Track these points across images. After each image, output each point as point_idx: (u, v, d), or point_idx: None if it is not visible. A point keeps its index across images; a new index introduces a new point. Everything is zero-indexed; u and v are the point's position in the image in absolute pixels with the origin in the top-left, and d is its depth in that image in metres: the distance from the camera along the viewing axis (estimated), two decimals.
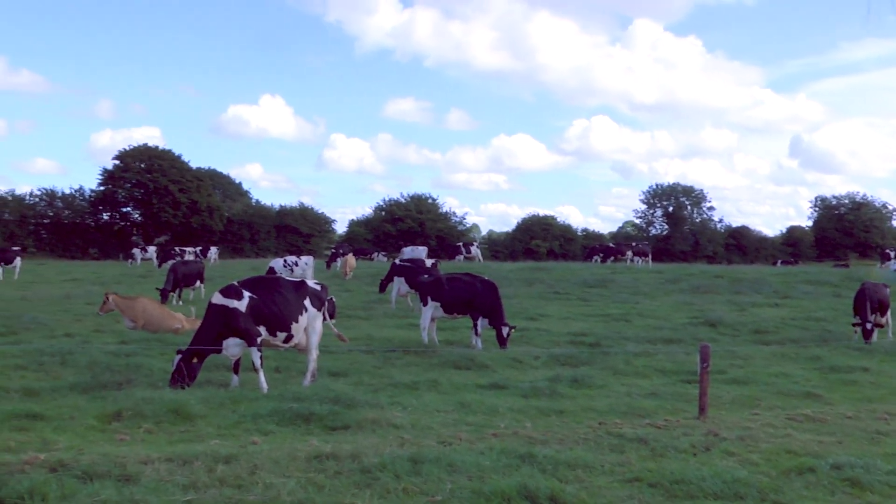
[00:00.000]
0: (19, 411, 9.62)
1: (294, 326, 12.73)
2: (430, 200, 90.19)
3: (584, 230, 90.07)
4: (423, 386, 12.39)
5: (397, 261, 33.09)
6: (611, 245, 62.36)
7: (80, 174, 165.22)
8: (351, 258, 41.40)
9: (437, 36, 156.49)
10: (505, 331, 17.07)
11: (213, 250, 60.29)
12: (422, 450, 7.79)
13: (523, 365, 15.24)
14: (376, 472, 7.01)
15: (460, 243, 66.71)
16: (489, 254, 79.41)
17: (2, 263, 40.38)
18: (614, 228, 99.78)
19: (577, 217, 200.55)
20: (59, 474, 6.65)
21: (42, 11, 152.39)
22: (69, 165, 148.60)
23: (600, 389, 12.83)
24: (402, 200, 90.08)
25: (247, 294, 12.50)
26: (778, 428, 9.69)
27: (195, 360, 12.09)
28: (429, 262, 30.62)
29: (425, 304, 17.85)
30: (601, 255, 56.68)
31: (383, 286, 30.43)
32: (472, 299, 17.53)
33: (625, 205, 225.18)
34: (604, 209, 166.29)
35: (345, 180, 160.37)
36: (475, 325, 17.45)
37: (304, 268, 35.50)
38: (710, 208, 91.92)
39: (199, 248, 59.53)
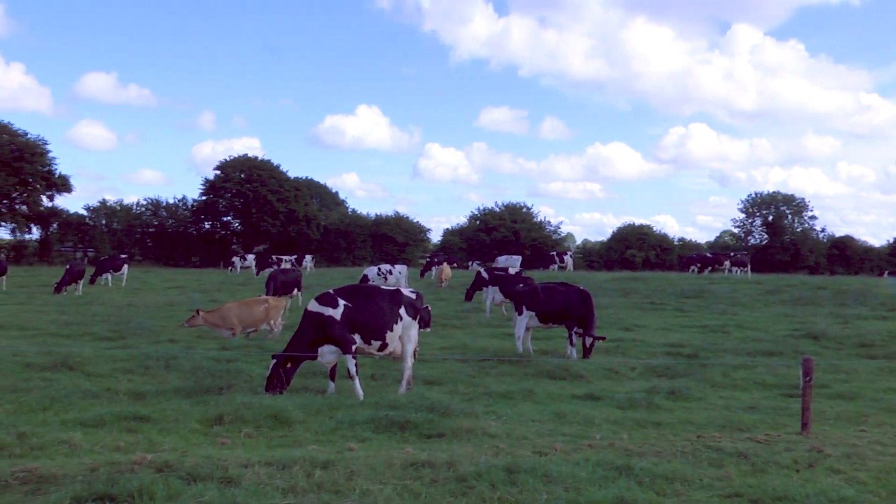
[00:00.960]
0: (127, 413, 9.96)
1: (388, 335, 12.82)
2: (524, 209, 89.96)
3: (681, 240, 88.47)
4: (517, 395, 12.35)
5: (482, 270, 33.18)
6: (708, 255, 61.06)
7: (184, 184, 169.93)
8: (446, 267, 41.57)
9: (531, 45, 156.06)
10: (588, 341, 16.90)
11: (308, 259, 61.32)
12: (517, 460, 7.77)
13: (619, 376, 15.06)
14: (472, 481, 7.01)
15: (553, 252, 66.41)
16: (584, 263, 78.75)
17: (110, 271, 41.86)
18: (712, 238, 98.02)
19: (673, 226, 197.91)
20: (165, 475, 6.86)
21: (151, 29, 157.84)
22: (173, 176, 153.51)
23: (698, 402, 12.58)
24: (497, 209, 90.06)
25: (342, 302, 12.65)
26: (887, 446, 9.31)
27: (290, 366, 12.31)
28: (513, 271, 30.55)
29: (520, 313, 17.80)
30: (698, 265, 55.59)
31: (469, 295, 30.59)
32: (567, 309, 17.41)
33: (723, 214, 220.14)
34: (701, 218, 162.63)
35: (439, 189, 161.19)
36: (570, 335, 17.33)
37: (398, 276, 35.83)
38: (812, 217, 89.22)
39: (294, 257, 60.63)
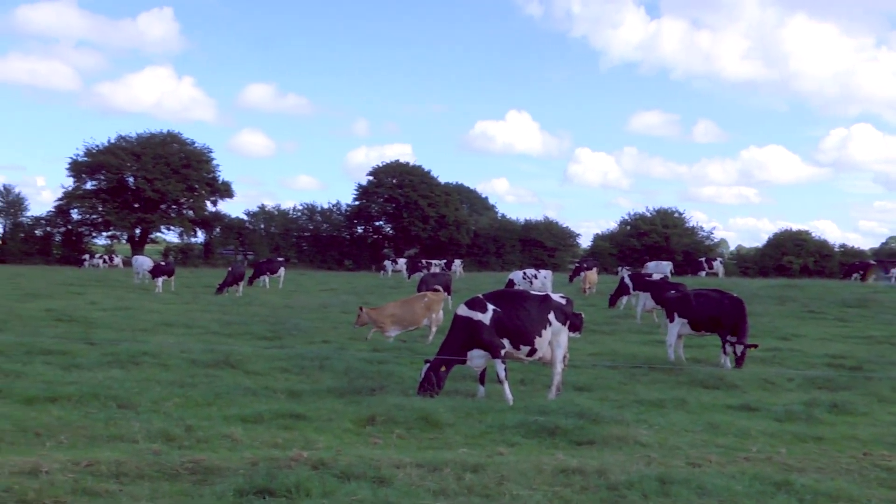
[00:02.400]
0: (284, 411, 10.31)
1: (537, 340, 12.76)
2: (675, 214, 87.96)
3: (842, 246, 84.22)
4: (669, 404, 12.07)
5: (625, 276, 32.72)
6: (872, 262, 58.05)
7: (338, 190, 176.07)
8: (592, 273, 41.03)
9: (684, 47, 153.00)
10: (739, 349, 16.33)
11: (458, 263, 61.89)
12: (670, 470, 7.61)
13: (776, 387, 14.48)
14: (623, 490, 6.92)
15: (702, 258, 64.73)
16: (737, 270, 76.30)
17: (268, 273, 43.49)
18: (876, 244, 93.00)
19: (833, 232, 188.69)
20: (320, 472, 7.08)
21: (308, 41, 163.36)
22: (328, 181, 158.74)
23: (863, 417, 11.94)
24: (648, 214, 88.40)
25: (491, 307, 12.68)
26: None
27: (442, 370, 12.44)
28: (657, 277, 29.95)
29: (671, 320, 17.42)
30: (861, 272, 52.93)
31: (613, 301, 30.25)
32: (719, 316, 16.90)
33: (889, 219, 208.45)
34: (864, 224, 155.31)
35: (589, 194, 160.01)
36: (723, 344, 16.82)
37: (543, 281, 35.71)
38: None
39: (444, 261, 61.33)
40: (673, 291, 19.49)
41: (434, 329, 19.81)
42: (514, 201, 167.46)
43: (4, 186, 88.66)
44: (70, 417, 9.70)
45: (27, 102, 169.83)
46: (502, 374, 12.29)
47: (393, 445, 9.01)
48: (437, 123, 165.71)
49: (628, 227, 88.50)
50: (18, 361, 13.89)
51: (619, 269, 64.67)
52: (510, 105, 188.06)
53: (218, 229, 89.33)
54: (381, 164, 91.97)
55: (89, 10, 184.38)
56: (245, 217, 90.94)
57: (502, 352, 12.42)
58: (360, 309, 19.74)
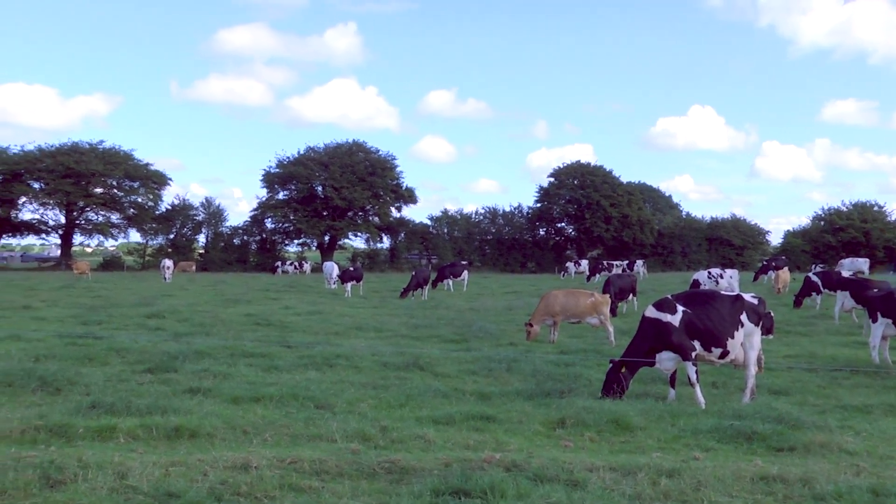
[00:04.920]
0: (475, 413, 10.43)
1: (730, 342, 12.36)
2: (875, 208, 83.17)
3: None
4: (877, 410, 11.38)
5: (811, 274, 31.19)
6: None
7: (519, 192, 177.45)
8: (784, 272, 39.25)
9: (884, 29, 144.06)
10: None
11: (640, 263, 60.90)
12: (884, 481, 7.13)
13: None
14: (831, 501, 6.57)
15: None
16: None
17: (451, 277, 44.21)
18: None
19: None
20: (513, 474, 7.12)
21: (486, 45, 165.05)
22: (509, 184, 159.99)
23: None
24: (844, 209, 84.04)
25: (680, 308, 12.38)
26: None
27: (627, 372, 12.26)
28: (846, 274, 28.44)
29: (874, 320, 16.42)
30: None
31: (798, 301, 28.97)
32: None
33: None
34: None
35: (778, 189, 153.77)
36: None
37: (730, 280, 34.57)
38: None
39: (626, 262, 60.49)
40: (875, 290, 18.40)
41: (610, 329, 19.58)
42: (698, 199, 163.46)
43: (206, 199, 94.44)
44: (272, 416, 10.20)
45: (224, 119, 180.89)
46: (693, 377, 11.99)
47: (583, 448, 8.95)
48: (618, 122, 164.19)
49: (822, 223, 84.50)
50: (224, 363, 14.75)
51: (813, 266, 61.77)
52: (693, 100, 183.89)
53: (403, 234, 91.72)
54: (561, 166, 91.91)
55: (280, 29, 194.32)
56: (429, 222, 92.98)
57: (693, 354, 12.12)
58: (528, 325, 19.71)
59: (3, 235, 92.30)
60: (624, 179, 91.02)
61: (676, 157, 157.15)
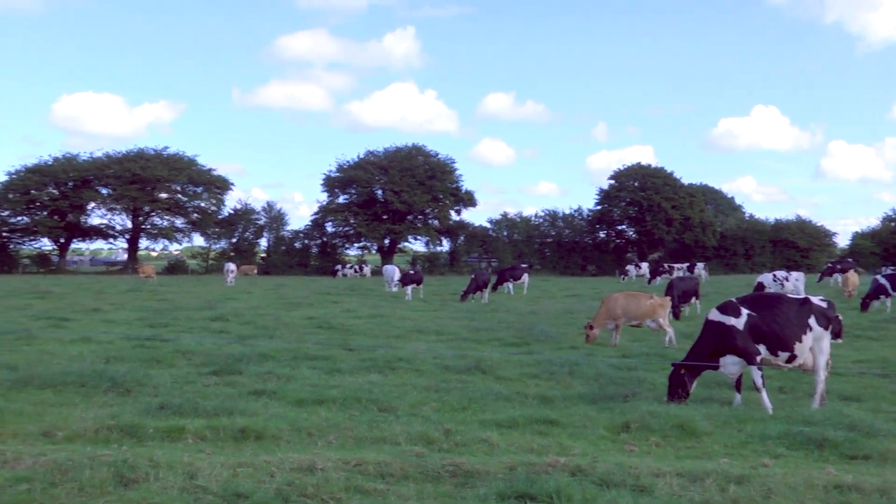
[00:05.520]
0: (538, 417, 10.38)
1: (797, 346, 12.10)
2: None
3: None
4: None
5: (879, 276, 30.43)
6: None
7: (579, 195, 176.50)
8: (852, 275, 38.30)
9: None
10: None
11: (700, 266, 60.13)
12: None
13: None
14: None
15: None
16: None
17: (511, 280, 44.10)
18: None
19: None
20: (578, 478, 7.06)
21: (545, 47, 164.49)
22: (568, 187, 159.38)
23: None
24: None
25: (745, 311, 12.17)
26: None
27: (690, 375, 12.10)
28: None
29: None
30: None
31: (865, 304, 28.40)
32: None
33: None
34: None
35: (845, 190, 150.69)
36: None
37: (795, 283, 33.94)
38: None
39: (686, 265, 59.81)
40: None
41: (670, 331, 19.36)
42: (762, 200, 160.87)
43: (267, 203, 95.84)
44: (336, 419, 10.26)
45: (285, 124, 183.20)
46: (759, 382, 11.77)
47: (648, 453, 8.86)
48: (679, 123, 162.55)
49: (893, 224, 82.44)
50: (287, 366, 14.89)
51: (882, 269, 60.37)
52: (756, 100, 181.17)
53: (462, 237, 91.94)
54: (622, 168, 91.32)
55: (339, 34, 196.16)
56: (488, 225, 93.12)
57: (758, 358, 11.91)
58: (587, 327, 19.62)
59: (74, 240, 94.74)
60: (685, 181, 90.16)
61: (739, 157, 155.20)
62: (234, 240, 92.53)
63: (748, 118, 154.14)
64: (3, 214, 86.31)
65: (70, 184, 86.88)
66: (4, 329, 20.72)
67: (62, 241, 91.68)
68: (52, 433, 9.23)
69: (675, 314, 25.37)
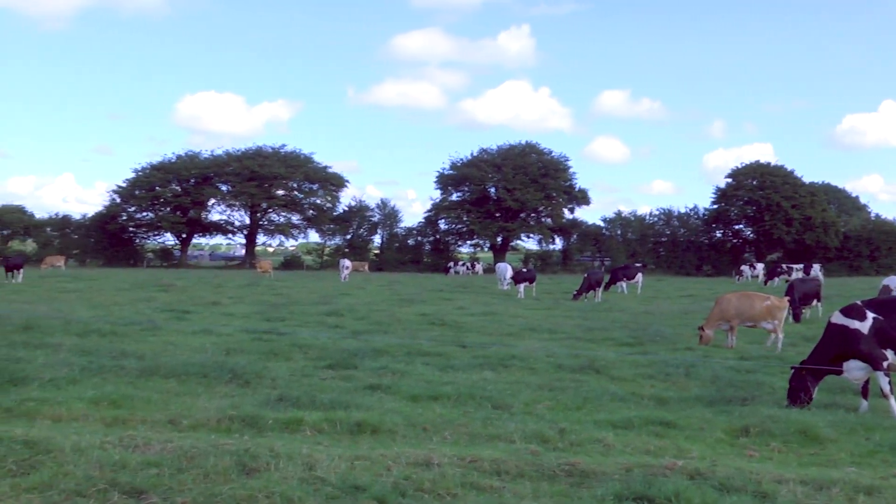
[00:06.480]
0: (653, 418, 10.23)
1: None
2: None
3: None
4: None
5: None
6: None
7: (694, 193, 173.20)
8: None
9: None
10: None
11: (816, 267, 58.04)
12: None
13: None
14: None
15: None
16: None
17: (624, 279, 43.56)
18: None
19: None
20: (697, 482, 6.94)
21: (660, 43, 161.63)
22: (683, 185, 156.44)
23: None
24: None
25: (871, 315, 11.70)
26: None
27: (812, 379, 11.73)
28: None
29: None
30: None
31: None
32: None
33: None
34: None
35: None
36: None
37: None
38: None
39: (802, 266, 57.93)
40: None
41: (781, 336, 18.76)
42: (889, 199, 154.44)
43: (382, 200, 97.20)
44: (450, 415, 10.34)
45: (399, 122, 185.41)
46: (886, 388, 11.32)
47: (769, 459, 8.63)
48: (800, 120, 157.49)
49: None
50: (402, 361, 15.08)
51: None
52: (884, 95, 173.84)
53: (575, 236, 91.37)
54: (739, 166, 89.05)
55: (453, 33, 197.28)
56: (602, 223, 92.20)
57: (885, 364, 11.44)
58: (701, 329, 19.21)
59: (195, 235, 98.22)
60: (806, 180, 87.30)
61: (865, 155, 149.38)
62: (348, 236, 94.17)
63: (875, 114, 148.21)
64: (129, 210, 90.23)
65: (192, 181, 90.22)
66: (132, 320, 21.65)
67: (184, 236, 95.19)
68: (177, 421, 9.62)
69: (796, 317, 24.60)
